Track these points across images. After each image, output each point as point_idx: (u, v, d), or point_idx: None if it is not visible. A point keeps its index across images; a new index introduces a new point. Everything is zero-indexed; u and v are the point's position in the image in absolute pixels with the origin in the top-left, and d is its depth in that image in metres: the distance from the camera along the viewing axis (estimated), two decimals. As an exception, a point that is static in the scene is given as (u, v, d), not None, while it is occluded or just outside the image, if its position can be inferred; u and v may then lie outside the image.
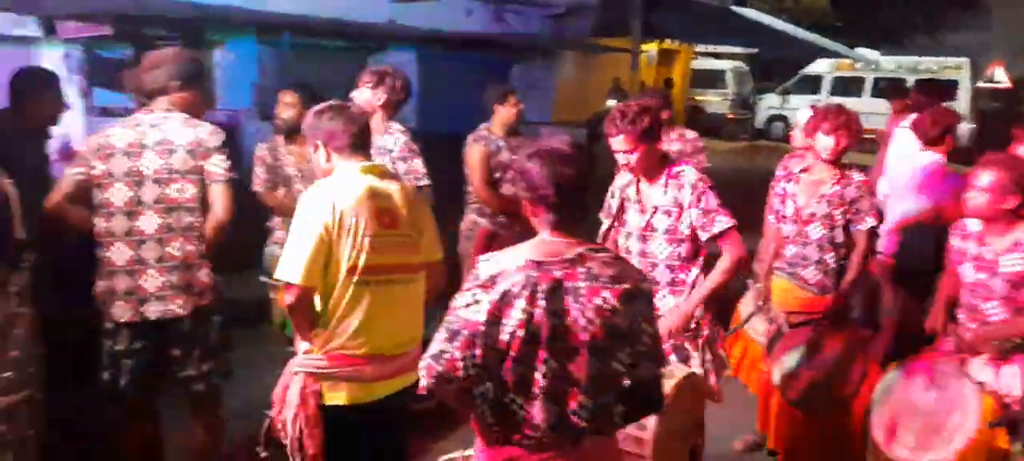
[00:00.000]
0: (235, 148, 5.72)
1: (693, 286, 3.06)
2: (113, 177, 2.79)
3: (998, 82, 18.34)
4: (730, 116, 19.96)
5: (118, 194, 2.80)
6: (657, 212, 3.06)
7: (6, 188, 2.94)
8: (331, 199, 2.37)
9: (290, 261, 2.33)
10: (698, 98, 20.09)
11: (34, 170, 3.11)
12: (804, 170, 3.66)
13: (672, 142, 4.78)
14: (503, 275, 1.83)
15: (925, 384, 2.94)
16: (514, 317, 1.80)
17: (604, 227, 3.26)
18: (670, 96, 6.08)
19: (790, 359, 3.35)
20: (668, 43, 15.97)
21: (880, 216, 3.94)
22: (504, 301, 1.81)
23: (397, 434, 2.64)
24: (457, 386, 1.85)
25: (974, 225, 2.99)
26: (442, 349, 1.84)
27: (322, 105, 2.54)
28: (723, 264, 2.99)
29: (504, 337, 1.81)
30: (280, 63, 7.81)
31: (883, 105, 8.57)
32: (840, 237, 3.52)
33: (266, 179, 4.10)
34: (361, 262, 2.35)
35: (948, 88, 16.73)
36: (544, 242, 1.92)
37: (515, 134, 4.53)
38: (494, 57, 10.31)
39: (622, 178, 3.22)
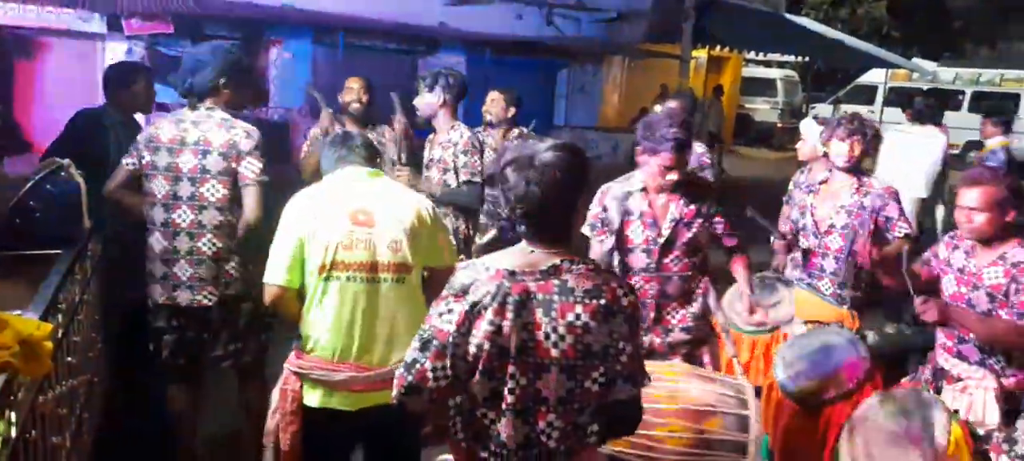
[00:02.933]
0: (288, 144, 5.85)
1: (704, 294, 3.14)
2: (157, 170, 2.97)
3: (1062, 96, 17.71)
4: (780, 125, 19.65)
5: (159, 186, 2.97)
6: (678, 225, 3.04)
7: (76, 178, 3.11)
8: (309, 202, 2.44)
9: (270, 263, 2.41)
10: (748, 106, 19.85)
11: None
12: (823, 182, 3.64)
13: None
14: (475, 284, 1.76)
15: (897, 412, 2.86)
16: (482, 328, 1.72)
17: (608, 244, 3.13)
18: (695, 99, 5.97)
19: (790, 352, 3.33)
20: (718, 50, 15.81)
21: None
22: (474, 312, 1.73)
23: (391, 452, 2.57)
24: (427, 397, 1.78)
25: (966, 239, 2.90)
26: (414, 358, 1.78)
27: (330, 138, 2.67)
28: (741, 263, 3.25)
29: (472, 349, 1.73)
30: (333, 63, 7.97)
31: (952, 117, 8.40)
32: (860, 248, 3.48)
33: (308, 151, 4.17)
34: (330, 259, 2.36)
35: (1008, 101, 16.33)
36: (522, 252, 1.82)
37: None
38: (543, 61, 10.35)
39: (619, 191, 3.13)
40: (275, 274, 2.39)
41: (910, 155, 5.84)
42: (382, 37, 8.64)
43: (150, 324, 3.09)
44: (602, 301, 1.76)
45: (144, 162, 2.99)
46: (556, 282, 1.76)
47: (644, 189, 3.08)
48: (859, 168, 3.55)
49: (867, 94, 18.23)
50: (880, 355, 3.68)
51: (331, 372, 2.39)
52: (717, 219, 3.11)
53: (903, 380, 3.16)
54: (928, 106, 6.07)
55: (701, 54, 15.87)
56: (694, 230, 3.04)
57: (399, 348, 2.41)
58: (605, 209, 3.13)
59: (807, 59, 17.52)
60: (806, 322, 3.56)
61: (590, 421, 1.80)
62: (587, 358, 1.75)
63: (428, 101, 3.84)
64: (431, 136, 4.02)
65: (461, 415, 1.82)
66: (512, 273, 1.76)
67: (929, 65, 17.79)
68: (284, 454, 2.40)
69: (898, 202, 3.48)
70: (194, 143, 2.96)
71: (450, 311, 1.76)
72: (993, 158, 5.87)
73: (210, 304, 3.02)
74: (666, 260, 3.06)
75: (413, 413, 2.62)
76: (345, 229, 2.38)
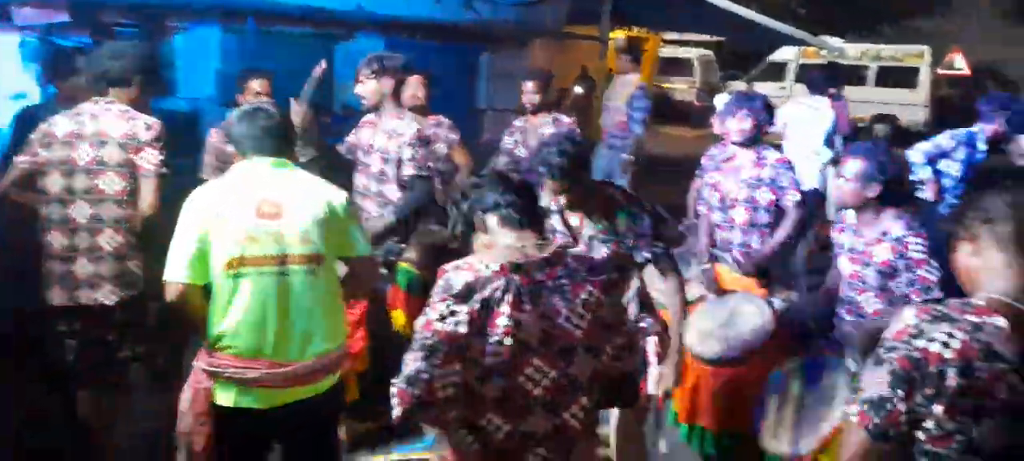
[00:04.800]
0: (196, 134, 5.61)
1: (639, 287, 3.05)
2: (51, 165, 2.86)
3: (957, 69, 18.69)
4: (697, 104, 20.09)
5: (53, 182, 2.87)
6: (593, 241, 2.91)
7: None
8: (210, 195, 2.36)
9: (170, 259, 2.30)
10: (665, 86, 20.19)
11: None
12: (728, 159, 3.77)
13: (545, 126, 4.78)
14: (479, 283, 1.71)
15: (804, 378, 2.97)
16: (500, 325, 1.69)
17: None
18: (595, 84, 6.80)
19: (701, 320, 3.42)
20: (636, 31, 16.00)
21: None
22: (486, 309, 1.69)
23: (311, 449, 2.49)
24: (438, 410, 1.70)
25: (851, 217, 3.01)
26: (418, 369, 1.69)
27: (239, 110, 2.51)
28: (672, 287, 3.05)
29: (490, 349, 1.69)
30: (243, 50, 7.68)
31: (853, 92, 8.79)
32: (763, 219, 3.63)
33: (216, 166, 4.04)
34: (236, 254, 2.28)
35: (910, 74, 17.13)
36: (511, 247, 1.82)
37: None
38: (464, 45, 10.25)
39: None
40: (176, 270, 2.28)
41: (806, 125, 6.12)
42: (296, 22, 8.37)
43: (50, 330, 2.95)
44: (606, 276, 1.82)
45: (39, 159, 2.86)
46: (560, 268, 1.78)
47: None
48: (758, 141, 3.71)
49: (779, 71, 18.80)
50: (788, 320, 3.78)
51: (244, 369, 2.28)
52: (631, 233, 2.92)
53: (809, 345, 3.25)
54: (824, 78, 6.36)
55: (620, 35, 16.03)
56: (610, 247, 2.91)
57: (316, 341, 2.33)
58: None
59: (722, 38, 17.95)
60: (717, 292, 3.66)
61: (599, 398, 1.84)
62: (603, 332, 1.80)
63: (373, 88, 3.67)
64: (368, 119, 3.84)
65: (467, 428, 1.76)
66: (517, 266, 1.74)
67: (836, 42, 18.42)
68: (196, 456, 2.29)
69: (791, 171, 3.65)
70: (91, 135, 2.85)
71: (454, 314, 1.69)
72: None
73: (112, 303, 2.89)
74: None
75: (334, 408, 2.57)
76: (251, 223, 2.27)
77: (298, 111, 3.80)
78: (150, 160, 2.89)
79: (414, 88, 4.59)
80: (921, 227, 2.86)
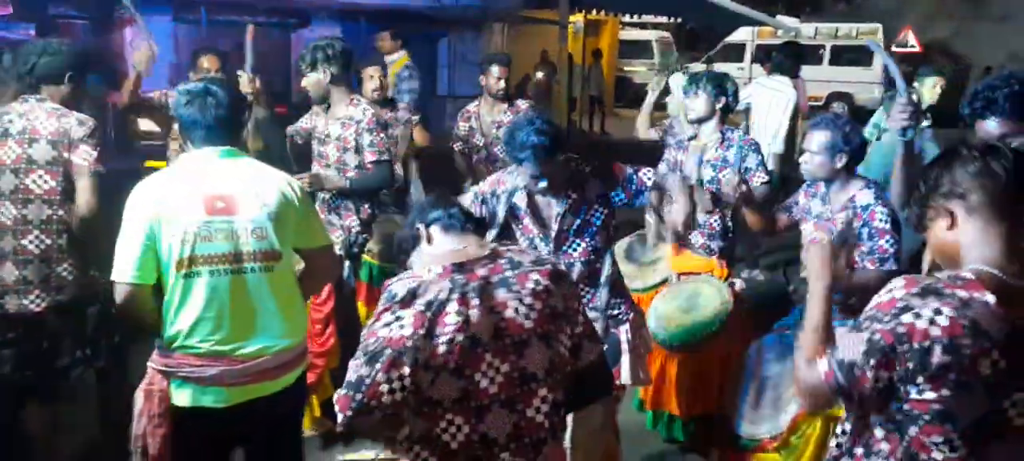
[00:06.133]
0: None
1: (605, 276, 2.93)
2: None
3: (909, 46, 19.04)
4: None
5: None
6: (565, 217, 2.85)
7: None
8: (156, 191, 2.20)
9: (116, 259, 2.18)
10: (626, 69, 20.26)
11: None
12: (692, 138, 3.75)
13: (506, 112, 4.71)
14: (423, 287, 1.70)
15: (774, 356, 3.01)
16: (449, 323, 1.67)
17: (492, 235, 2.97)
18: (555, 69, 6.25)
19: (663, 304, 3.46)
20: (595, 14, 16.01)
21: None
22: (433, 311, 1.67)
23: (272, 447, 2.41)
24: (379, 416, 1.66)
25: (824, 186, 3.04)
26: (360, 375, 1.64)
27: (186, 86, 2.33)
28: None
29: (441, 348, 1.67)
30: (197, 40, 7.52)
31: (809, 71, 8.84)
32: (731, 191, 3.58)
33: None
34: (187, 253, 2.16)
35: (864, 52, 17.41)
36: (453, 250, 1.82)
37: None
38: (422, 31, 10.17)
39: (509, 185, 2.92)
40: (123, 271, 2.15)
41: (768, 106, 6.14)
42: (250, 11, 8.22)
43: None
44: (549, 266, 1.82)
45: None
46: (502, 261, 1.79)
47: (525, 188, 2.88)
48: (723, 121, 3.67)
49: (737, 52, 18.97)
50: (752, 301, 3.84)
51: (201, 368, 2.21)
52: (596, 208, 2.88)
53: (774, 326, 3.29)
54: (787, 58, 6.35)
55: (578, 19, 16.03)
56: (583, 217, 2.87)
57: (275, 337, 2.28)
58: (495, 198, 2.92)
59: (680, 20, 18.04)
60: (679, 275, 3.68)
61: (566, 395, 1.82)
62: (555, 321, 1.79)
63: (315, 79, 3.55)
64: (319, 108, 3.75)
65: (422, 443, 1.72)
66: (460, 265, 1.75)
67: (792, 21, 18.68)
68: (153, 459, 2.21)
69: (757, 152, 3.64)
70: (19, 133, 2.74)
71: (398, 319, 1.67)
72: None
73: (39, 310, 2.78)
74: (564, 248, 2.89)
75: (296, 405, 2.53)
76: (201, 220, 2.17)
77: (247, 82, 3.74)
78: (85, 157, 2.77)
79: (374, 81, 4.49)
80: (887, 198, 2.89)
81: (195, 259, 2.17)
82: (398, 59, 5.44)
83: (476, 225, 1.89)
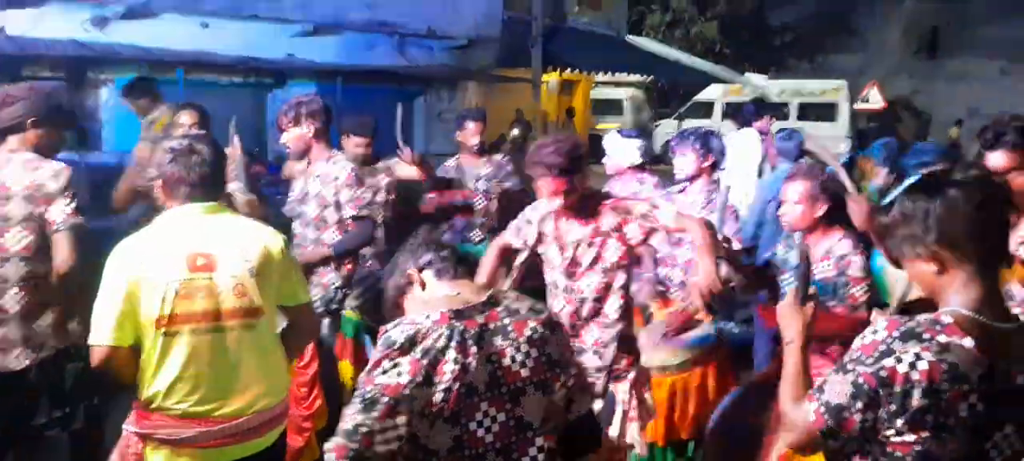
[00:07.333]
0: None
1: (612, 321, 2.91)
2: None
3: (873, 102, 19.59)
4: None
5: None
6: (580, 245, 2.88)
7: None
8: (136, 249, 2.16)
9: (95, 321, 2.12)
10: (599, 126, 20.56)
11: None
12: (680, 192, 3.78)
13: (484, 167, 4.76)
14: (420, 333, 1.68)
15: (757, 403, 3.03)
16: (448, 371, 1.65)
17: (521, 259, 3.09)
18: (530, 126, 6.32)
19: (648, 334, 3.47)
20: (568, 73, 16.31)
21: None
22: (431, 358, 1.65)
23: None
24: None
25: (798, 235, 3.08)
26: (357, 423, 1.61)
27: (170, 143, 2.31)
28: (697, 239, 2.75)
29: (438, 397, 1.64)
30: (174, 101, 7.53)
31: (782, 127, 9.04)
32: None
33: (123, 194, 3.87)
34: (167, 311, 2.11)
35: (828, 109, 17.90)
36: (448, 296, 1.80)
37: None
38: (398, 90, 10.28)
39: (544, 209, 2.99)
40: (101, 333, 2.10)
41: (740, 160, 6.27)
42: (226, 72, 8.28)
43: None
44: (545, 314, 1.82)
45: None
46: (499, 309, 1.78)
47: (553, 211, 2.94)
48: (708, 177, 3.71)
49: (706, 109, 19.38)
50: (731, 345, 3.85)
51: (178, 430, 2.15)
52: (620, 230, 2.84)
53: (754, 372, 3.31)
54: (753, 112, 6.51)
55: (553, 77, 16.31)
56: (598, 248, 2.86)
57: (255, 397, 2.24)
58: (528, 222, 3.03)
59: (651, 78, 18.42)
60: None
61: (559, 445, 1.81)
62: (551, 369, 1.77)
63: (297, 134, 3.53)
64: (302, 167, 3.73)
65: None
66: (458, 312, 1.73)
67: (759, 79, 19.19)
68: None
69: (735, 218, 3.68)
70: None
71: (396, 366, 1.64)
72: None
73: (21, 368, 2.71)
74: (576, 281, 2.90)
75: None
76: (182, 276, 2.13)
77: (231, 154, 3.73)
78: (61, 212, 2.69)
79: (353, 146, 4.46)
80: (864, 248, 2.94)
81: (175, 318, 2.13)
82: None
83: (467, 268, 1.88)
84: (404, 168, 4.59)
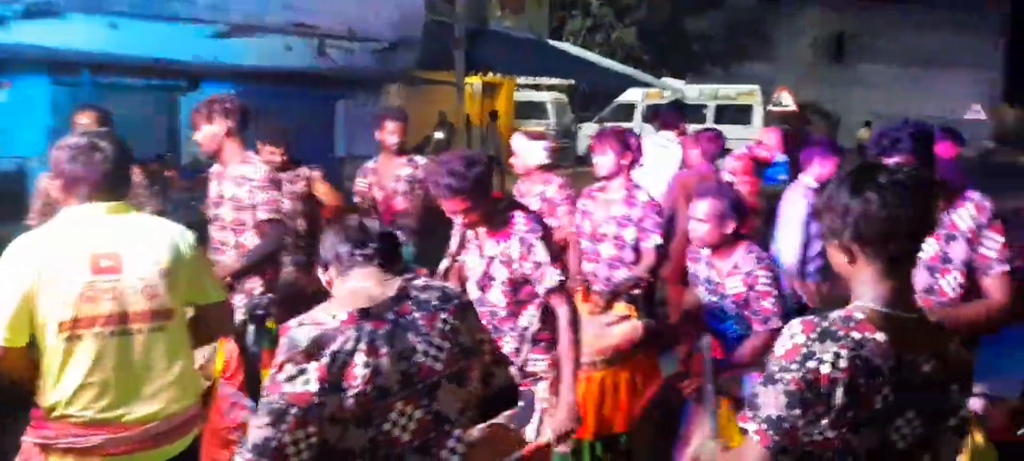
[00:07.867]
0: (23, 197, 5.18)
1: (526, 328, 2.88)
2: None
3: (785, 105, 20.38)
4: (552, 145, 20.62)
5: None
6: (494, 261, 2.83)
7: None
8: (34, 249, 2.07)
9: None
10: (523, 129, 20.67)
11: None
12: (601, 189, 3.82)
13: (404, 167, 4.67)
14: (326, 337, 1.62)
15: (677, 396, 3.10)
16: (358, 375, 1.60)
17: (444, 265, 3.11)
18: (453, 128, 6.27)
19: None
20: (491, 76, 16.35)
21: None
22: (338, 363, 1.60)
23: None
24: None
25: (705, 251, 3.17)
26: (265, 437, 1.55)
27: (69, 141, 2.18)
28: (564, 322, 2.72)
29: (349, 402, 1.60)
30: (78, 103, 7.20)
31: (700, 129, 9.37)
32: (630, 257, 3.66)
33: (41, 210, 3.74)
34: (69, 315, 2.04)
35: (743, 112, 18.53)
36: (355, 291, 1.73)
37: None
38: (317, 92, 10.09)
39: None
40: None
41: (658, 163, 6.43)
42: (136, 73, 7.94)
43: None
44: (456, 301, 1.79)
45: None
46: (409, 302, 1.73)
47: None
48: (627, 175, 3.77)
49: (627, 112, 19.76)
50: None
51: (82, 438, 2.06)
52: (521, 262, 2.76)
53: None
54: (674, 115, 6.70)
55: (475, 81, 16.33)
56: (507, 261, 2.80)
57: (165, 401, 2.16)
58: (456, 228, 3.02)
59: (573, 82, 18.66)
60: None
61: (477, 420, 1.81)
62: (465, 357, 1.75)
63: (211, 133, 3.42)
64: (214, 170, 3.62)
65: None
66: (366, 312, 1.66)
67: (677, 83, 19.73)
68: None
69: (657, 215, 3.73)
70: None
71: (303, 372, 1.58)
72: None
73: None
74: (487, 294, 2.87)
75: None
76: (85, 278, 2.04)
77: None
78: None
79: (268, 154, 4.31)
80: (769, 260, 3.03)
81: (78, 321, 2.04)
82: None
83: (384, 257, 1.78)
84: (321, 186, 4.54)
